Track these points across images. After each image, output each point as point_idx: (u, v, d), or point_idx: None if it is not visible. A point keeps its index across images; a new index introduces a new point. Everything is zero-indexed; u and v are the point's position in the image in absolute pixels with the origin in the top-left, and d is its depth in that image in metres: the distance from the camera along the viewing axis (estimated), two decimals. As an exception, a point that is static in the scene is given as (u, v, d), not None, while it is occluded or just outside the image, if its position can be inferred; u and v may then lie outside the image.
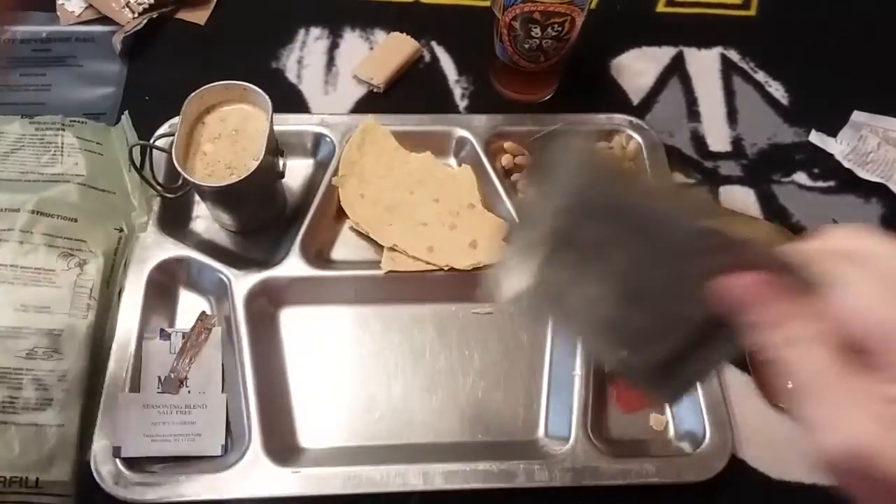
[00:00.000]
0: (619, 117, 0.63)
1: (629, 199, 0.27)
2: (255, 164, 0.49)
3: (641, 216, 0.26)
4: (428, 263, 0.54)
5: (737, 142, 0.66)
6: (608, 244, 0.28)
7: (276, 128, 0.52)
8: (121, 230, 0.54)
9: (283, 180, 0.56)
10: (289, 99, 0.65)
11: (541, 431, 0.52)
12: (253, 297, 0.53)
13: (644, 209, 0.26)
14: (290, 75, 0.67)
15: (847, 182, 0.64)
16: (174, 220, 0.57)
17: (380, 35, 0.70)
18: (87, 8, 0.68)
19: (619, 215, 0.27)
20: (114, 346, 0.50)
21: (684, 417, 0.52)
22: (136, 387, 0.50)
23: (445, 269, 0.54)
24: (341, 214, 0.58)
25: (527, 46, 0.58)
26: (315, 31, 0.70)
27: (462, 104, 0.66)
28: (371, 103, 0.65)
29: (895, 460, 0.21)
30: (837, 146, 0.65)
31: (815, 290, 0.23)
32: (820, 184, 0.64)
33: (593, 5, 0.57)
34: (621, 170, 0.28)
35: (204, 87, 0.52)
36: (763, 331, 0.24)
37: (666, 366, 0.28)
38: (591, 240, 0.28)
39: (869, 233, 0.25)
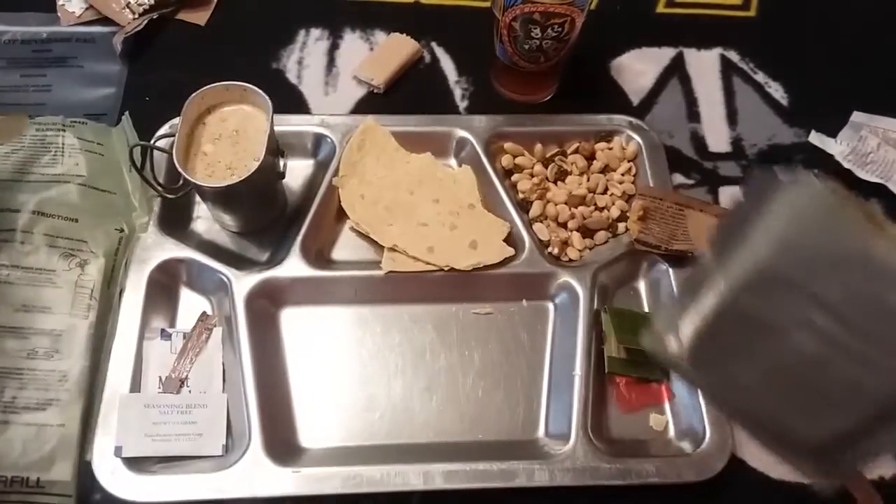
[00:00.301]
0: (619, 118, 0.63)
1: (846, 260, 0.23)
2: (255, 165, 0.49)
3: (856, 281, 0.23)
4: (428, 264, 0.55)
5: (736, 142, 0.66)
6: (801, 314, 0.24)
7: (276, 128, 0.52)
8: (121, 230, 0.54)
9: (284, 181, 0.56)
10: (289, 99, 0.65)
11: (541, 431, 0.52)
12: (253, 297, 0.53)
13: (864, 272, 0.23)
14: (291, 76, 0.67)
15: (847, 182, 0.63)
16: (175, 221, 0.57)
17: (380, 36, 0.70)
18: (87, 9, 0.68)
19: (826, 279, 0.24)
20: (114, 347, 0.50)
21: (684, 417, 0.52)
22: (136, 387, 0.50)
23: (445, 269, 0.54)
24: (342, 215, 0.58)
25: (527, 47, 0.58)
26: (315, 32, 0.70)
27: (462, 105, 0.66)
28: (371, 104, 0.65)
29: None
30: (837, 147, 0.65)
31: None
32: (819, 184, 0.64)
33: (593, 6, 0.57)
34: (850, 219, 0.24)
35: (204, 88, 0.52)
36: None
37: (835, 444, 0.26)
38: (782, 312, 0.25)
39: None
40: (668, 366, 0.27)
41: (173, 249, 0.54)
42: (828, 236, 0.24)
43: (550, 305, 0.56)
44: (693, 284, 0.27)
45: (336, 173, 0.58)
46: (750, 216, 0.25)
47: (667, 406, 0.53)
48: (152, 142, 0.55)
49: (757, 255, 0.25)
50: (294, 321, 0.55)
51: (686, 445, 0.50)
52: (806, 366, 0.25)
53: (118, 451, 0.47)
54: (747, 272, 0.25)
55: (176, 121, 0.52)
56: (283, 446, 0.49)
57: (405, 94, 0.66)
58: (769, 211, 0.24)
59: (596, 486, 0.48)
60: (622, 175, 0.61)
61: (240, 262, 0.55)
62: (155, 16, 0.68)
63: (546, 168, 0.61)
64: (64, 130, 0.57)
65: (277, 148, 0.54)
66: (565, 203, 0.59)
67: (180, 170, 0.49)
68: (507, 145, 0.61)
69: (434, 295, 0.56)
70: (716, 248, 0.26)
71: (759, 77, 0.70)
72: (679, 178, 0.63)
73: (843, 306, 0.24)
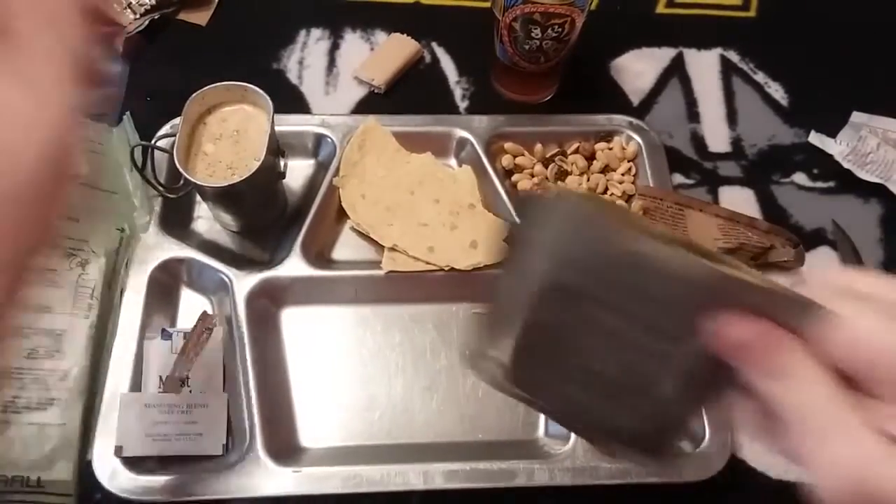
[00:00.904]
0: (619, 118, 0.63)
1: (622, 256, 0.25)
2: (256, 165, 0.49)
3: (638, 270, 0.25)
4: (428, 263, 0.55)
5: (736, 142, 0.66)
6: (594, 314, 0.26)
7: (277, 128, 0.52)
8: (122, 230, 0.54)
9: (284, 181, 0.56)
10: (290, 100, 0.65)
11: (540, 431, 0.52)
12: (254, 297, 0.53)
13: (643, 261, 0.25)
14: (291, 76, 0.67)
15: (846, 183, 0.64)
16: (176, 221, 0.57)
17: (380, 36, 0.70)
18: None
19: (609, 275, 0.25)
20: (115, 346, 0.50)
21: (684, 417, 0.52)
22: (137, 386, 0.50)
23: (446, 269, 0.55)
24: (342, 215, 0.58)
25: (527, 47, 0.58)
26: (316, 32, 0.70)
27: (462, 105, 0.66)
28: (372, 104, 0.65)
29: (885, 485, 0.21)
30: (837, 147, 0.65)
31: (816, 327, 0.23)
32: (819, 184, 0.64)
33: (593, 6, 0.57)
34: (620, 221, 0.25)
35: (205, 88, 0.52)
36: (763, 375, 0.24)
37: (656, 430, 0.28)
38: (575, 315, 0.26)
39: (862, 272, 0.25)
40: (496, 388, 0.29)
41: (174, 249, 0.54)
42: (595, 243, 0.25)
43: (550, 305, 0.56)
44: (497, 305, 0.28)
45: (336, 173, 0.58)
46: (525, 237, 0.27)
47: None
48: (153, 142, 0.55)
49: (540, 271, 0.26)
50: (294, 321, 0.55)
51: (686, 445, 0.50)
52: (613, 367, 0.27)
53: (118, 450, 0.47)
54: (536, 288, 0.26)
55: (177, 121, 0.53)
56: (283, 446, 0.49)
57: (406, 94, 0.66)
58: (541, 228, 0.26)
59: (596, 486, 0.48)
60: (622, 175, 0.61)
61: (240, 261, 0.55)
62: (156, 16, 0.68)
63: (546, 168, 0.61)
64: (65, 130, 0.57)
65: (278, 148, 0.54)
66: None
67: (181, 170, 0.49)
68: (508, 145, 0.62)
69: (434, 295, 0.56)
70: (507, 268, 0.27)
71: (759, 77, 0.70)
72: (679, 178, 0.63)
73: (624, 304, 0.26)
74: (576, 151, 0.62)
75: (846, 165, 0.64)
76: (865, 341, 0.23)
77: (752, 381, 0.24)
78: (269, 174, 0.54)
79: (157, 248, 0.54)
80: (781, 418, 0.24)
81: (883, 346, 0.22)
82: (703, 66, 0.71)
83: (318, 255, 0.57)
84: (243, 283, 0.53)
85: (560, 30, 0.56)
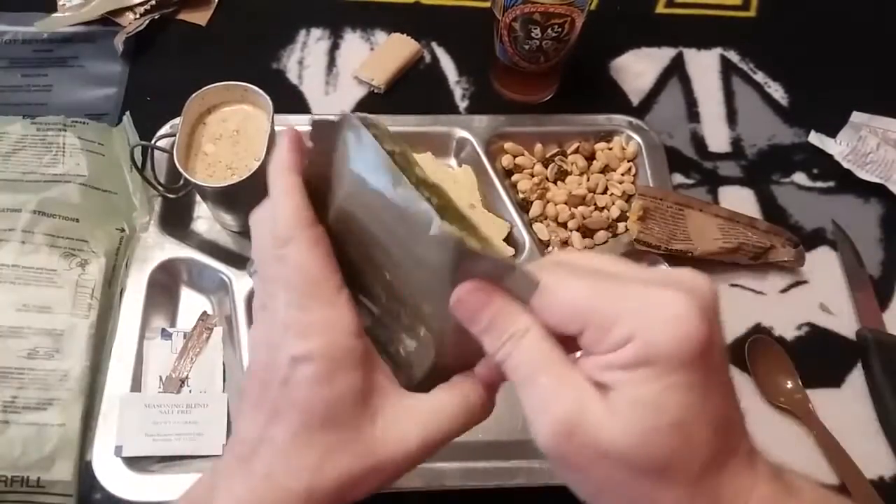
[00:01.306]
0: (619, 118, 0.63)
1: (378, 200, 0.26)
2: (256, 165, 0.49)
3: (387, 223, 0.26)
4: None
5: (736, 142, 0.66)
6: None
7: (277, 128, 0.52)
8: (122, 230, 0.54)
9: (284, 181, 0.56)
10: (290, 99, 0.65)
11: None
12: (254, 296, 0.53)
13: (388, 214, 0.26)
14: (291, 76, 0.67)
15: (846, 182, 0.64)
16: (175, 221, 0.57)
17: (380, 36, 0.70)
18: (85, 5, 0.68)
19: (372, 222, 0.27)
20: (115, 346, 0.50)
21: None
22: (137, 386, 0.50)
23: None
24: (342, 215, 0.58)
25: (527, 47, 0.58)
26: (316, 32, 0.70)
27: (462, 105, 0.66)
28: (372, 104, 0.65)
29: (598, 425, 0.23)
30: (837, 147, 0.65)
31: (535, 297, 0.25)
32: (819, 184, 0.64)
33: (593, 6, 0.57)
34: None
35: (205, 88, 0.52)
36: (486, 334, 0.26)
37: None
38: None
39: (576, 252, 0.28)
40: None
41: (174, 249, 0.54)
42: (366, 175, 0.26)
43: (550, 305, 0.56)
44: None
45: (336, 173, 0.58)
46: (323, 158, 0.28)
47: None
48: (153, 142, 0.55)
49: (334, 192, 0.28)
50: (294, 321, 0.55)
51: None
52: (386, 300, 0.29)
53: (118, 450, 0.47)
54: (335, 205, 0.28)
55: (177, 121, 0.52)
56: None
57: (405, 94, 0.66)
58: (336, 152, 0.27)
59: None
60: (622, 175, 0.61)
61: (240, 261, 0.55)
62: (156, 16, 0.68)
63: (546, 168, 0.61)
64: (65, 130, 0.57)
65: (278, 148, 0.54)
66: (565, 203, 0.59)
67: (181, 170, 0.49)
68: (508, 145, 0.62)
69: (434, 295, 0.56)
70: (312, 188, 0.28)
71: (759, 77, 0.70)
72: (679, 178, 0.63)
73: (389, 247, 0.27)
74: (576, 151, 0.62)
75: (846, 165, 0.64)
76: (563, 298, 0.25)
77: (483, 342, 0.26)
78: (269, 174, 0.54)
79: (157, 248, 0.54)
80: (510, 375, 0.27)
81: (576, 299, 0.25)
82: (703, 65, 0.71)
83: (318, 255, 0.56)
84: (243, 283, 0.53)
85: (560, 30, 0.56)
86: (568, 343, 0.26)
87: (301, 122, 0.61)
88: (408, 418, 0.28)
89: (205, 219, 0.58)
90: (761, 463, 0.26)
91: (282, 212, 0.27)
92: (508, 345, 0.26)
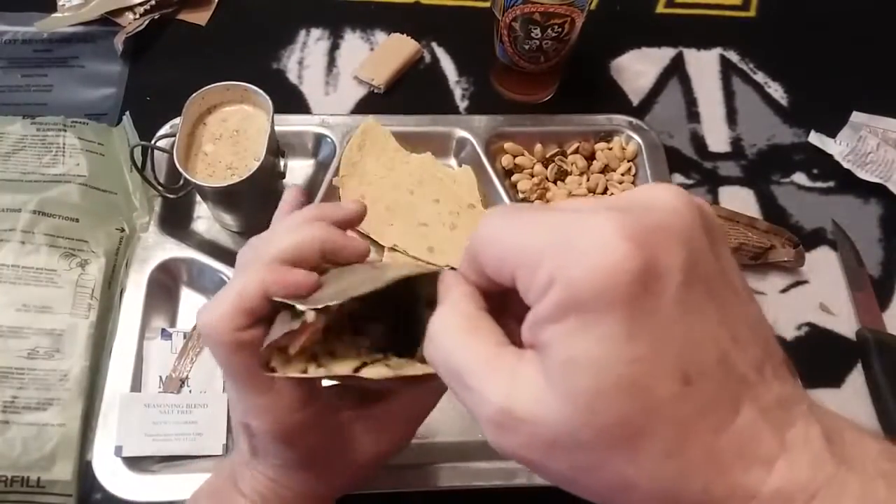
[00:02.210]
0: (619, 118, 0.63)
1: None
2: (256, 165, 0.49)
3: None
4: (428, 263, 0.55)
5: (736, 142, 0.66)
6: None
7: (276, 128, 0.52)
8: (122, 230, 0.54)
9: (284, 181, 0.56)
10: (290, 99, 0.65)
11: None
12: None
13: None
14: (291, 76, 0.67)
15: (846, 183, 0.64)
16: (175, 221, 0.57)
17: (380, 36, 0.70)
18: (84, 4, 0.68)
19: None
20: (115, 346, 0.50)
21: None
22: (137, 386, 0.50)
23: (446, 269, 0.54)
24: (342, 215, 0.58)
25: (527, 47, 0.58)
26: (316, 32, 0.70)
27: (462, 105, 0.66)
28: (371, 104, 0.65)
29: (532, 408, 0.19)
30: (836, 147, 0.65)
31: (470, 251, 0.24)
32: (819, 184, 0.64)
33: (593, 6, 0.57)
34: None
35: (205, 88, 0.52)
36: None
37: None
38: None
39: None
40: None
41: (174, 249, 0.54)
42: None
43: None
44: None
45: (336, 173, 0.58)
46: None
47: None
48: (153, 142, 0.55)
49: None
50: (294, 321, 0.55)
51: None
52: None
53: (118, 450, 0.47)
54: None
55: (177, 121, 0.52)
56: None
57: (405, 94, 0.66)
58: None
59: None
60: (622, 175, 0.61)
61: (240, 261, 0.55)
62: (156, 16, 0.68)
63: (546, 168, 0.61)
64: (65, 130, 0.57)
65: (278, 148, 0.54)
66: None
67: (181, 170, 0.49)
68: (508, 145, 0.62)
69: (434, 295, 0.56)
70: None
71: (759, 77, 0.70)
72: (679, 178, 0.63)
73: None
74: (576, 151, 0.62)
75: (846, 165, 0.64)
76: (490, 239, 0.22)
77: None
78: (269, 174, 0.54)
79: (157, 248, 0.54)
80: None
81: (502, 239, 0.21)
82: (703, 65, 0.71)
83: (318, 255, 0.56)
84: (243, 283, 0.53)
85: (560, 29, 0.56)
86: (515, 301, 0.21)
87: (301, 122, 0.61)
88: (378, 428, 0.33)
89: (205, 219, 0.58)
90: (802, 414, 0.20)
91: (214, 315, 0.29)
92: (427, 347, 0.23)
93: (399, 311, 0.30)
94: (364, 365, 0.28)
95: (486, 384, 0.20)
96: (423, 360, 0.26)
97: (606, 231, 0.18)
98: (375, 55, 0.68)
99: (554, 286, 0.18)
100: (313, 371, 0.28)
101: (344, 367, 0.28)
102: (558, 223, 0.19)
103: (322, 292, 0.29)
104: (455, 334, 0.22)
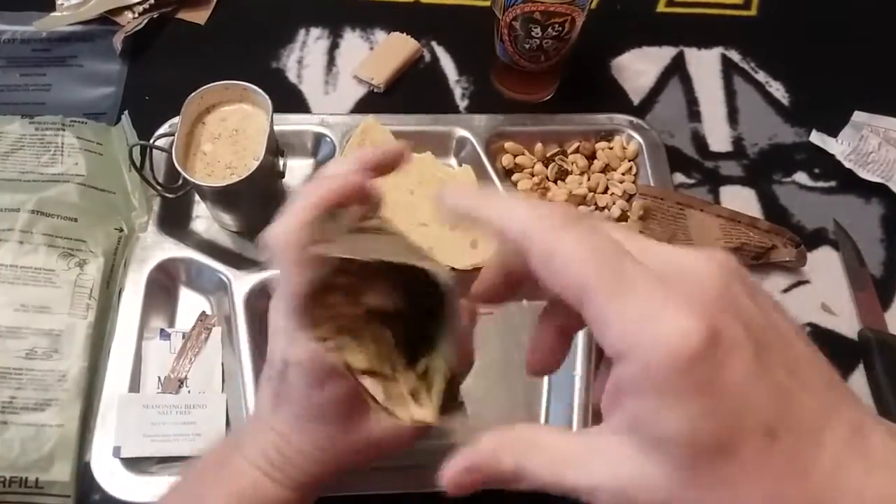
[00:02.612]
0: (620, 117, 0.63)
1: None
2: (255, 164, 0.49)
3: None
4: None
5: (737, 142, 0.66)
6: None
7: (276, 128, 0.52)
8: (121, 230, 0.54)
9: (284, 180, 0.56)
10: (289, 99, 0.65)
11: (541, 432, 0.51)
12: (253, 297, 0.53)
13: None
14: (291, 75, 0.67)
15: (848, 182, 0.64)
16: (174, 220, 0.57)
17: (380, 35, 0.70)
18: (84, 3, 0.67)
19: None
20: (113, 346, 0.50)
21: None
22: (135, 387, 0.49)
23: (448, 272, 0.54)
24: (341, 214, 0.58)
25: (527, 46, 0.58)
26: (315, 32, 0.70)
27: (462, 104, 0.66)
28: (371, 103, 0.65)
29: (634, 480, 0.21)
30: (838, 146, 0.65)
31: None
32: (821, 184, 0.64)
33: (594, 5, 0.57)
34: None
35: (204, 87, 0.52)
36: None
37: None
38: None
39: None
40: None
41: (173, 249, 0.54)
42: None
43: (551, 305, 0.56)
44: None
45: (336, 173, 0.58)
46: None
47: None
48: (152, 141, 0.55)
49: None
50: (294, 321, 0.55)
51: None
52: None
53: (117, 451, 0.47)
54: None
55: (175, 120, 0.52)
56: (282, 446, 0.49)
57: (405, 93, 0.66)
58: None
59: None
60: (623, 174, 0.61)
61: (239, 261, 0.55)
62: (155, 15, 0.68)
63: (546, 167, 0.61)
64: (63, 130, 0.57)
65: (277, 147, 0.54)
66: (566, 202, 0.59)
67: (180, 169, 0.49)
68: (508, 145, 0.61)
69: (434, 295, 0.55)
70: None
71: (760, 76, 0.70)
72: (680, 178, 0.63)
73: None
74: (576, 151, 0.62)
75: (847, 165, 0.64)
76: (561, 262, 0.21)
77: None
78: (269, 174, 0.53)
79: (156, 248, 0.54)
80: None
81: (574, 267, 0.21)
82: (704, 65, 0.70)
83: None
84: (242, 282, 0.53)
85: (560, 29, 0.56)
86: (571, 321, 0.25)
87: (300, 122, 0.61)
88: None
89: (203, 218, 0.58)
90: (877, 438, 0.21)
91: (283, 228, 0.29)
92: (519, 483, 0.23)
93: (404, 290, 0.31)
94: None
95: (589, 475, 0.22)
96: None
97: (682, 317, 0.20)
98: (375, 54, 0.67)
99: (626, 358, 0.20)
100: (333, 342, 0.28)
101: (358, 360, 0.29)
102: (636, 287, 0.20)
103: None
104: (535, 447, 0.23)
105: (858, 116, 0.66)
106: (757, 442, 0.20)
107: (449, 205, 0.25)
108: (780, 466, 0.20)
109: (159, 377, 0.50)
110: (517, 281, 0.27)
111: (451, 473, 0.25)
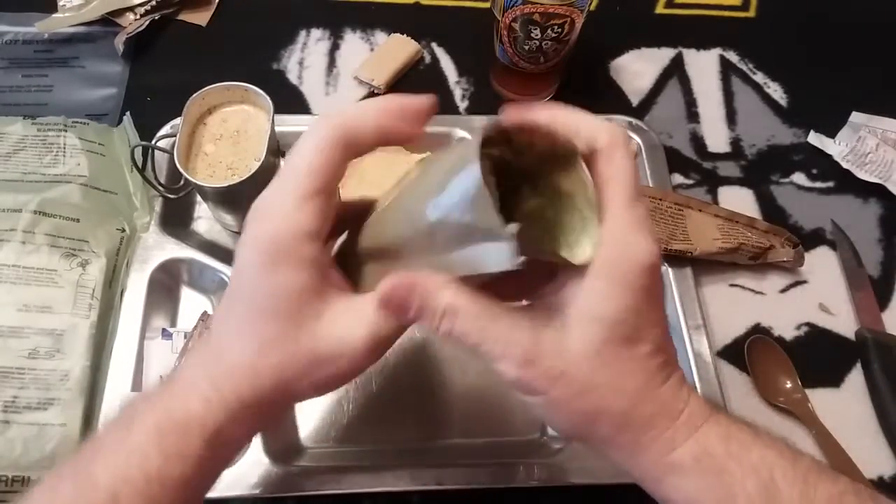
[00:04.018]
0: (619, 118, 0.63)
1: None
2: (256, 165, 0.49)
3: None
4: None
5: (735, 143, 0.66)
6: None
7: (277, 129, 0.52)
8: (123, 230, 0.54)
9: (285, 181, 0.56)
10: (290, 100, 0.65)
11: (540, 431, 0.52)
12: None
13: None
14: (292, 76, 0.67)
15: (845, 183, 0.64)
16: (176, 221, 0.57)
17: (380, 36, 0.70)
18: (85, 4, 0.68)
19: None
20: (115, 346, 0.50)
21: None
22: (137, 386, 0.50)
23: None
24: (342, 215, 0.58)
25: (527, 48, 0.58)
26: (316, 33, 0.70)
27: (462, 105, 0.66)
28: (372, 104, 0.65)
29: (555, 348, 0.28)
30: (836, 147, 0.65)
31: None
32: (818, 184, 0.64)
33: (593, 7, 0.57)
34: None
35: (206, 88, 0.52)
36: (421, 319, 0.29)
37: None
38: None
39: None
40: None
41: (174, 249, 0.54)
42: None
43: (550, 305, 0.56)
44: None
45: (336, 173, 0.58)
46: None
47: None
48: (153, 142, 0.55)
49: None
50: (295, 321, 0.55)
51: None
52: None
53: (119, 450, 0.47)
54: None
55: (177, 121, 0.53)
56: (282, 446, 0.49)
57: (405, 94, 0.66)
58: None
59: (595, 485, 0.48)
60: (622, 175, 0.61)
61: (240, 261, 0.55)
62: (157, 16, 0.68)
63: (546, 168, 0.61)
64: (65, 131, 0.57)
65: (278, 148, 0.54)
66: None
67: (181, 170, 0.49)
68: (507, 146, 0.62)
69: (434, 295, 0.56)
70: None
71: (758, 77, 0.70)
72: (678, 178, 0.63)
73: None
74: (575, 152, 0.62)
75: (845, 165, 0.64)
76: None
77: (422, 325, 0.29)
78: (270, 174, 0.53)
79: (158, 249, 0.54)
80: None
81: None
82: (703, 66, 0.71)
83: (319, 255, 0.57)
84: (243, 283, 0.53)
85: (560, 30, 0.56)
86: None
87: (301, 123, 0.61)
88: (354, 317, 0.30)
89: (205, 219, 0.59)
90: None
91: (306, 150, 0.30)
92: (445, 321, 0.28)
93: None
94: None
95: (511, 337, 0.28)
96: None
97: (651, 244, 0.28)
98: (375, 56, 0.68)
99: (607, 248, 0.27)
100: None
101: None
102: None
103: None
104: (473, 305, 0.28)
105: (856, 117, 0.67)
106: (647, 348, 0.28)
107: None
108: (651, 370, 0.28)
109: (161, 377, 0.50)
110: None
111: (389, 284, 0.28)
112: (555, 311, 0.28)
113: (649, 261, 0.27)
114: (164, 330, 0.52)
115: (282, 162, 0.55)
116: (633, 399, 0.28)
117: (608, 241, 0.27)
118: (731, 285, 0.58)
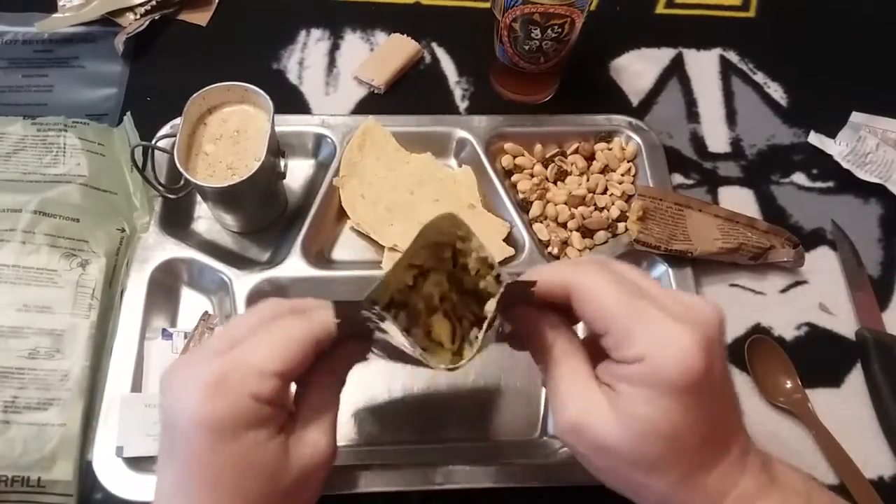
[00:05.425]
0: (619, 118, 0.63)
1: None
2: (256, 165, 0.49)
3: None
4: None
5: (736, 143, 0.66)
6: None
7: (277, 128, 0.52)
8: (123, 230, 0.54)
9: (285, 181, 0.56)
10: (290, 100, 0.65)
11: (540, 431, 0.52)
12: (254, 297, 0.53)
13: None
14: (292, 76, 0.67)
15: (846, 183, 0.64)
16: (176, 221, 0.57)
17: (380, 36, 0.70)
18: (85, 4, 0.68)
19: None
20: (115, 346, 0.51)
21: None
22: (138, 386, 0.50)
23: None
24: (342, 215, 0.58)
25: (527, 48, 0.58)
26: (316, 33, 0.70)
27: (462, 105, 0.66)
28: (372, 104, 0.66)
29: (600, 427, 0.31)
30: (836, 147, 0.65)
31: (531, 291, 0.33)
32: (819, 184, 0.64)
33: (593, 7, 0.57)
34: None
35: (206, 88, 0.52)
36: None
37: None
38: None
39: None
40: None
41: (174, 249, 0.54)
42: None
43: (550, 305, 0.56)
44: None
45: (336, 173, 0.58)
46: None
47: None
48: (153, 142, 0.55)
49: None
50: (295, 321, 0.55)
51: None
52: None
53: (119, 450, 0.47)
54: None
55: (177, 121, 0.53)
56: (283, 446, 0.49)
57: (405, 94, 0.66)
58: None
59: (595, 486, 0.48)
60: (622, 175, 0.61)
61: (240, 261, 0.55)
62: (157, 16, 0.68)
63: (546, 168, 0.61)
64: (65, 131, 0.57)
65: (278, 148, 0.54)
66: (565, 203, 0.59)
67: (181, 170, 0.49)
68: (507, 146, 0.62)
69: (434, 295, 0.56)
70: None
71: (759, 77, 0.70)
72: (678, 179, 0.63)
73: None
74: (575, 151, 0.62)
75: (845, 165, 0.64)
76: (595, 301, 0.31)
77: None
78: (270, 174, 0.54)
79: (158, 249, 0.54)
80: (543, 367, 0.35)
81: (605, 305, 0.31)
82: (703, 66, 0.71)
83: (318, 255, 0.57)
84: (243, 282, 0.53)
85: (560, 30, 0.56)
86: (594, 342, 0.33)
87: (301, 123, 0.61)
88: (315, 431, 0.35)
89: (205, 219, 0.59)
90: (752, 457, 0.32)
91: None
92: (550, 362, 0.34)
93: None
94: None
95: (572, 396, 0.32)
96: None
97: (687, 341, 0.29)
98: (375, 55, 0.68)
99: (641, 364, 0.30)
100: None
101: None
102: (651, 318, 0.30)
103: None
104: (565, 355, 0.34)
105: (856, 117, 0.67)
106: (694, 441, 0.30)
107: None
108: (698, 463, 0.31)
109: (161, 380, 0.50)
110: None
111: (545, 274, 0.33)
112: (613, 378, 0.31)
113: (683, 366, 0.29)
114: (164, 330, 0.52)
115: (282, 162, 0.55)
116: (674, 486, 0.30)
117: (649, 349, 0.30)
118: (732, 285, 0.58)
